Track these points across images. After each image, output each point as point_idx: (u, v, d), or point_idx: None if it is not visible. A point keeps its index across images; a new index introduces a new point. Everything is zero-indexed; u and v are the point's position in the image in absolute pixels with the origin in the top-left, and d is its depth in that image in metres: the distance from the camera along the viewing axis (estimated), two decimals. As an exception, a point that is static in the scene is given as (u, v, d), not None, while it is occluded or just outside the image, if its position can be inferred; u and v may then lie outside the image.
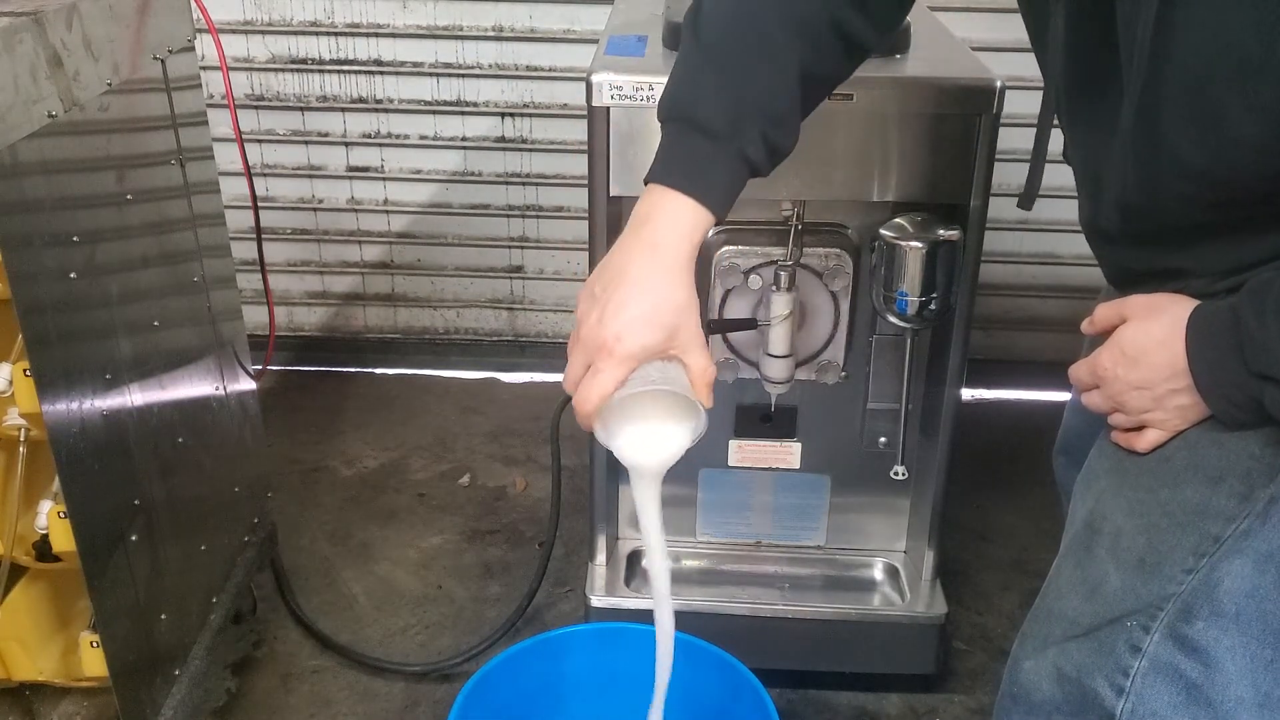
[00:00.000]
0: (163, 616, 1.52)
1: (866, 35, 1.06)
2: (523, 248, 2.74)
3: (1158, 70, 0.88)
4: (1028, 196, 1.08)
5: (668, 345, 0.97)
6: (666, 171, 0.99)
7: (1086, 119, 1.02)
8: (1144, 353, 0.98)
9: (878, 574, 1.86)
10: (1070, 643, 1.02)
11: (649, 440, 1.02)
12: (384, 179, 2.68)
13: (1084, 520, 1.05)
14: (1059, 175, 1.14)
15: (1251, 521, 0.92)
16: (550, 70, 2.54)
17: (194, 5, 1.61)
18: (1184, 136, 0.89)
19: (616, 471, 1.79)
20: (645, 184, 1.01)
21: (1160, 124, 0.90)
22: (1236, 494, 0.93)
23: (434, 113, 2.61)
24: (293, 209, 2.71)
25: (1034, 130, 1.04)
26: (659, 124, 1.03)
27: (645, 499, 1.07)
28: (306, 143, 2.65)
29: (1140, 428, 1.01)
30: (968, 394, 2.61)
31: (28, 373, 1.23)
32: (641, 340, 0.95)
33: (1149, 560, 0.97)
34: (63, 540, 1.34)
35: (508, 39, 2.52)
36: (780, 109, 1.01)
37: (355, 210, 2.72)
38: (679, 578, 1.86)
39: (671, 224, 0.98)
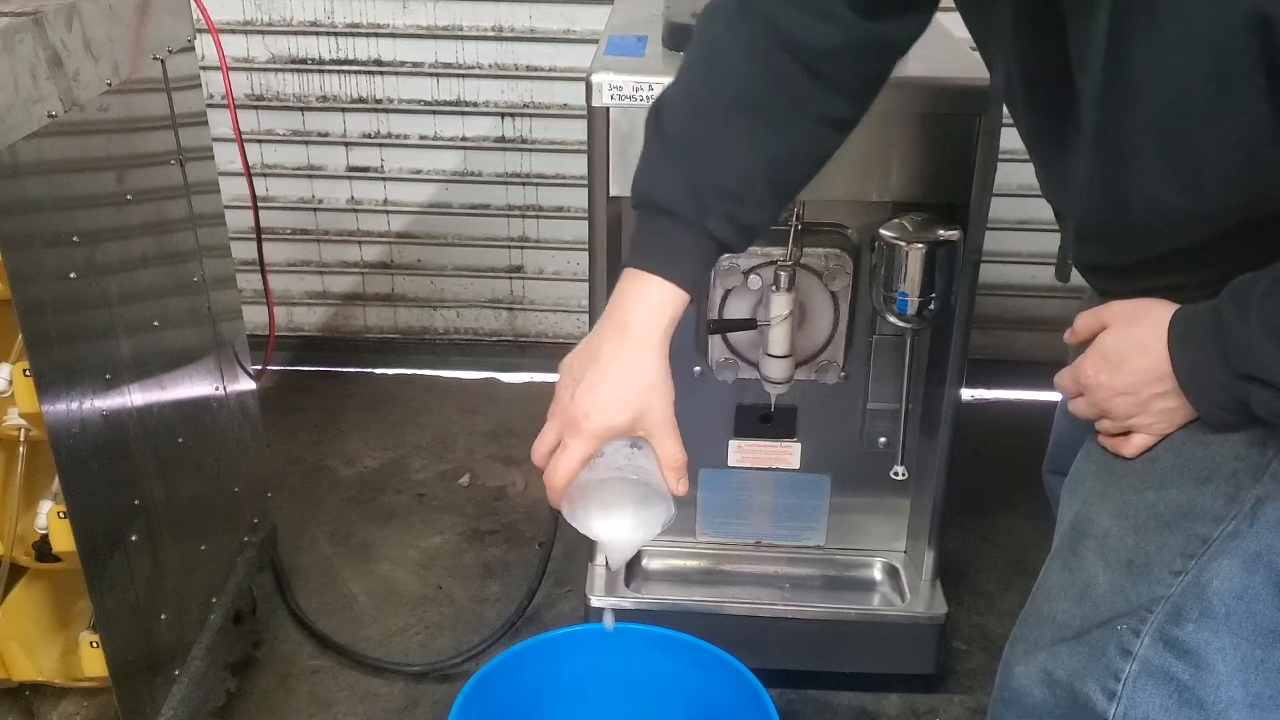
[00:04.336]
0: (163, 616, 1.52)
1: (832, 104, 1.05)
2: (522, 248, 2.74)
3: (1119, 118, 0.87)
4: (1062, 269, 1.07)
5: (636, 425, 1.00)
6: (636, 255, 1.03)
7: (1054, 162, 1.03)
8: (1126, 358, 0.97)
9: (878, 574, 1.86)
10: (1060, 646, 1.02)
11: (618, 523, 1.05)
12: (384, 179, 2.68)
13: (1071, 523, 1.05)
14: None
15: (1239, 522, 0.92)
16: (550, 70, 2.54)
17: (194, 5, 1.61)
18: (1155, 177, 0.89)
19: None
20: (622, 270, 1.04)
21: (1128, 168, 0.90)
22: (1223, 495, 0.93)
23: (434, 113, 2.61)
24: (293, 209, 2.71)
25: None
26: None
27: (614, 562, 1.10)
28: (306, 143, 2.65)
29: (1127, 432, 1.01)
30: (968, 394, 2.60)
31: (28, 373, 1.23)
32: (608, 420, 0.99)
33: (1137, 562, 0.97)
34: (63, 540, 1.34)
35: (508, 39, 2.52)
36: (741, 188, 1.02)
37: (355, 210, 2.72)
38: (679, 578, 1.86)
39: (642, 305, 1.01)
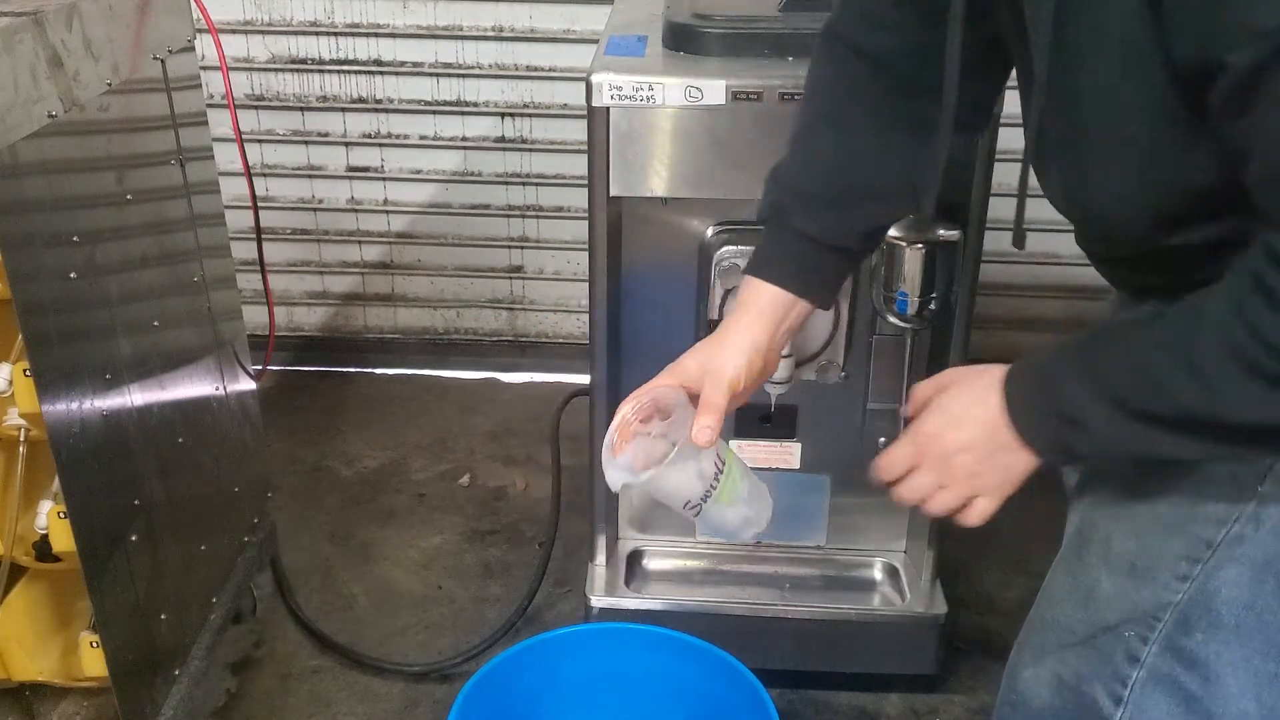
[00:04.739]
0: (163, 616, 1.52)
1: (910, 105, 1.07)
2: (522, 248, 2.74)
3: (1064, 108, 0.90)
4: (1018, 236, 1.09)
5: (699, 368, 1.08)
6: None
7: (1034, 154, 1.04)
8: (964, 410, 0.99)
9: (878, 574, 1.86)
10: (1068, 650, 1.02)
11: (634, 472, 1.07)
12: (384, 179, 2.68)
13: (1076, 527, 1.06)
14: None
15: (1243, 526, 0.92)
16: (550, 70, 2.54)
17: (194, 5, 1.61)
18: (1103, 170, 0.91)
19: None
20: None
21: (1081, 162, 0.93)
22: (1225, 497, 0.93)
23: (434, 113, 2.61)
24: (293, 209, 2.71)
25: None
26: None
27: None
28: (306, 143, 2.65)
29: (968, 501, 1.01)
30: (968, 394, 2.60)
31: (28, 373, 1.23)
32: (682, 362, 1.10)
33: (1140, 565, 0.97)
34: (63, 540, 1.34)
35: (508, 39, 2.52)
36: (814, 188, 1.10)
37: (355, 210, 2.72)
38: (679, 578, 1.86)
39: (738, 300, 1.13)
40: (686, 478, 1.05)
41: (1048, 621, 1.05)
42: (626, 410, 1.07)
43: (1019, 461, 0.96)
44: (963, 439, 0.98)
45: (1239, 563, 0.92)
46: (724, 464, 1.07)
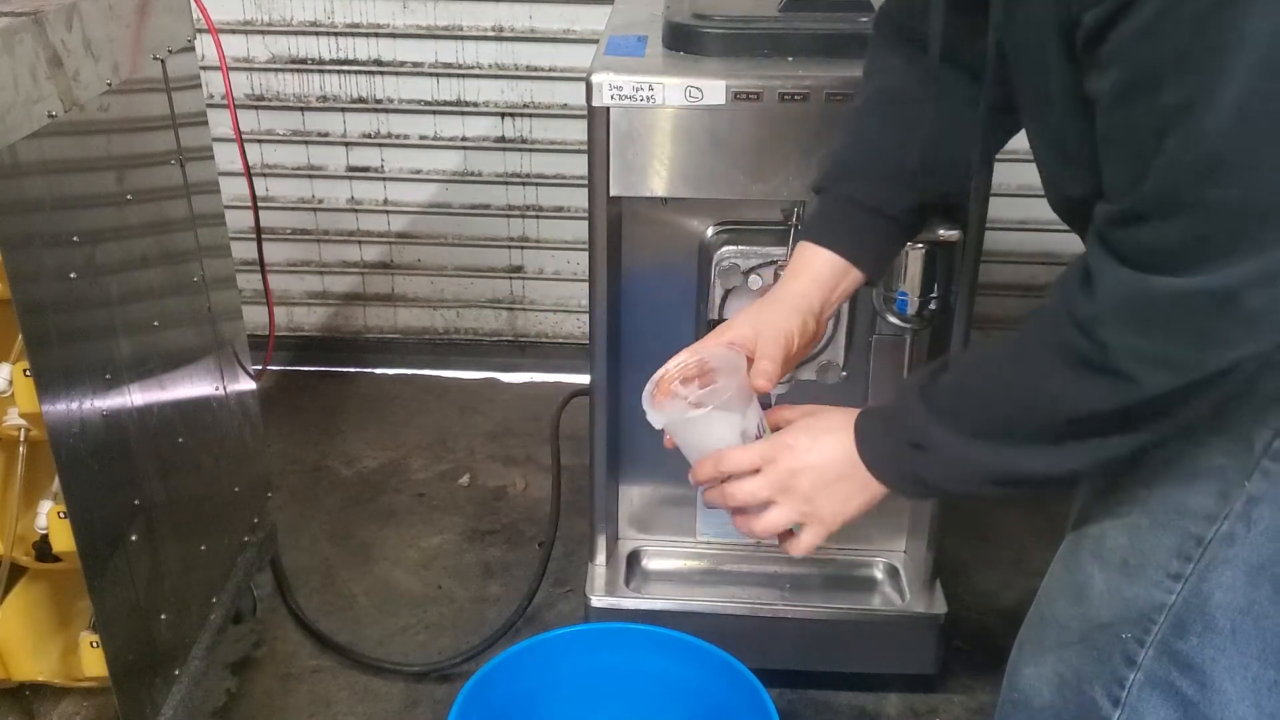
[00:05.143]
0: (163, 616, 1.52)
1: (958, 82, 1.09)
2: (523, 248, 2.75)
3: (1019, 93, 0.93)
4: None
5: (753, 341, 1.09)
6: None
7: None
8: (824, 433, 1.02)
9: (878, 574, 1.86)
10: (1067, 649, 1.02)
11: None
12: (384, 179, 2.69)
13: (1073, 523, 1.06)
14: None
15: (1233, 524, 0.91)
16: (550, 70, 2.54)
17: (194, 5, 1.61)
18: (1063, 163, 0.93)
19: (616, 471, 1.79)
20: None
21: (1044, 154, 0.96)
22: (1214, 491, 0.92)
23: (434, 113, 2.61)
24: (293, 209, 2.71)
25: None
26: None
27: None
28: (306, 143, 2.65)
29: (790, 533, 1.04)
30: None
31: (28, 373, 1.23)
32: (733, 323, 1.12)
33: (1132, 562, 0.97)
34: (63, 540, 1.34)
35: (508, 39, 2.52)
36: (860, 162, 1.14)
37: (355, 210, 2.72)
38: (679, 578, 1.86)
39: (789, 268, 1.16)
40: (730, 432, 1.05)
41: (1046, 619, 1.05)
42: (672, 366, 1.07)
43: (861, 493, 1.00)
44: (812, 459, 1.01)
45: (1232, 565, 0.92)
46: (765, 432, 1.07)
